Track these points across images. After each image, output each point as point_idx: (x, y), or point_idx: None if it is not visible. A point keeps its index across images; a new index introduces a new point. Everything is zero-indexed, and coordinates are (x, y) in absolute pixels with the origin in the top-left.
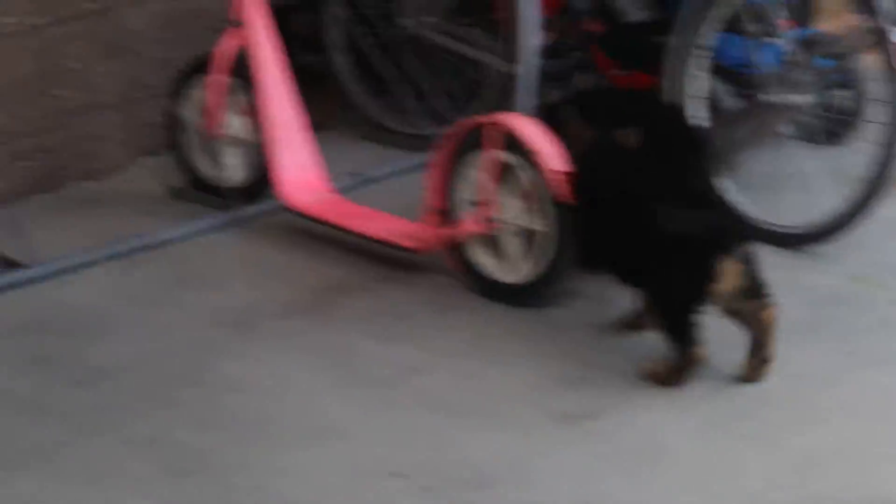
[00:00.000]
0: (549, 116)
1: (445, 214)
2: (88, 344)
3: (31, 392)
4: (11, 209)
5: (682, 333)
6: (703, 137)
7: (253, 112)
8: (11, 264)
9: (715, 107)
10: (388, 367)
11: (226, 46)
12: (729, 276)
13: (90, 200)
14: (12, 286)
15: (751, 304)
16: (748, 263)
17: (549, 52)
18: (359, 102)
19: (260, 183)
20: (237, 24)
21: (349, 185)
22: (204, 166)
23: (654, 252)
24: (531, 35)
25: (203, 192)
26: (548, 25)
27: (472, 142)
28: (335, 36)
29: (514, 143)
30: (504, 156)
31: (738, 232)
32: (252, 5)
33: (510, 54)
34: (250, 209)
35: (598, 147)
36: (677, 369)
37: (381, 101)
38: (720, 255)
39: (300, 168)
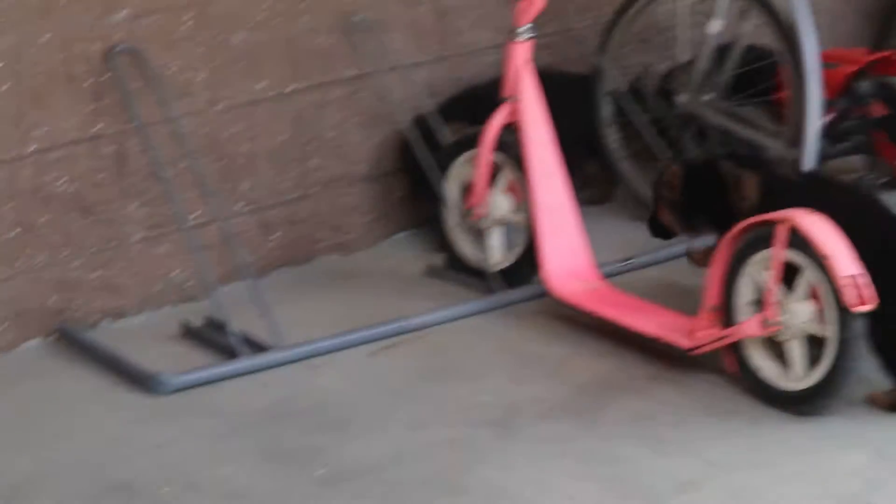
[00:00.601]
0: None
1: (724, 312)
2: (335, 438)
3: (271, 492)
4: (259, 283)
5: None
6: None
7: (520, 191)
8: (257, 346)
9: None
10: (659, 479)
11: (495, 122)
12: None
13: (340, 276)
14: (257, 369)
15: None
16: None
17: (828, 135)
18: (630, 180)
19: (523, 266)
20: (510, 98)
21: (617, 269)
22: (464, 245)
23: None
24: (815, 118)
25: (462, 272)
26: (828, 107)
27: (757, 238)
28: (607, 111)
29: (802, 242)
30: (791, 255)
31: None
32: (526, 80)
33: (792, 137)
34: (512, 294)
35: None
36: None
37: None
38: None
39: (567, 253)
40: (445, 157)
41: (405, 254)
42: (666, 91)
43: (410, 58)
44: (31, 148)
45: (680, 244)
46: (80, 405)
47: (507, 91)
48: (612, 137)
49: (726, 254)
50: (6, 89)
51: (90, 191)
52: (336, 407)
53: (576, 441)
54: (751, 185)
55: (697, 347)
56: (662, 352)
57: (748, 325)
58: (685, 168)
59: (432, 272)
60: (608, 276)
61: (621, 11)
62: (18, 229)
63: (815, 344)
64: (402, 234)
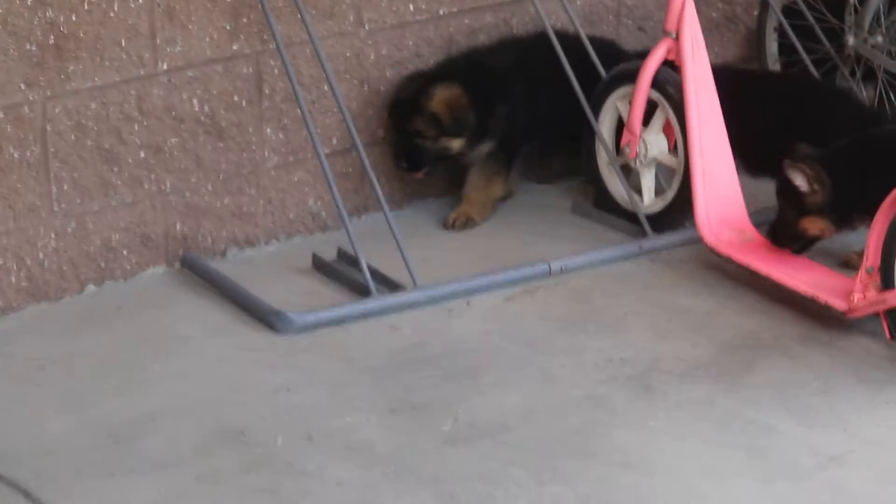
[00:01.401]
0: None
1: (883, 275)
2: (466, 390)
3: (392, 448)
4: (396, 216)
5: None
6: None
7: (675, 133)
8: (390, 285)
9: None
10: (803, 452)
11: (653, 57)
12: None
13: None
14: (389, 310)
15: None
16: None
17: None
18: None
19: (674, 211)
20: (670, 34)
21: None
22: (614, 185)
23: None
24: None
25: (610, 212)
26: None
27: None
28: (773, 48)
29: None
30: None
31: None
32: (689, 16)
33: None
34: (661, 239)
35: None
36: None
37: None
38: None
39: (722, 200)
40: (600, 91)
41: (553, 188)
42: (833, 29)
43: None
44: (164, 66)
45: None
46: (199, 341)
47: (667, 26)
48: None
49: (887, 214)
50: (139, 4)
51: (224, 113)
52: (468, 355)
53: (717, 405)
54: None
55: (853, 310)
56: (815, 311)
57: None
58: None
59: (579, 210)
60: (758, 225)
61: None
62: (146, 151)
63: None
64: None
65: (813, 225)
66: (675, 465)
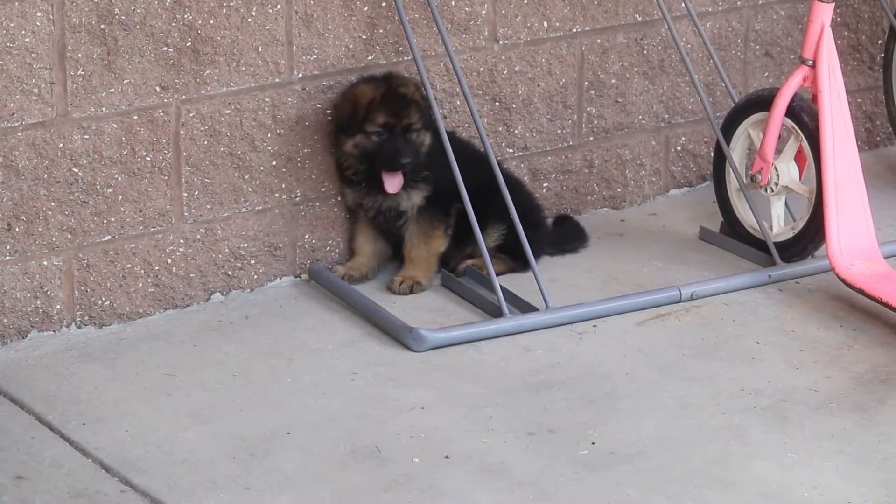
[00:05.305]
0: None
1: None
2: (600, 415)
3: (530, 471)
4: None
5: None
6: None
7: (808, 162)
8: (524, 306)
9: None
10: None
11: (790, 85)
12: None
13: (609, 232)
14: (520, 331)
15: None
16: None
17: None
18: None
19: (804, 240)
20: (807, 62)
21: None
22: (744, 212)
23: None
24: None
25: (738, 240)
26: None
27: None
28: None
29: None
30: None
31: None
32: (826, 44)
33: None
34: (791, 268)
35: None
36: None
37: None
38: None
39: (854, 231)
40: (732, 116)
41: (679, 213)
42: None
43: (701, 6)
44: (299, 74)
45: None
46: (329, 355)
47: (804, 53)
48: None
49: None
50: (277, 10)
51: None
52: (601, 379)
53: (853, 439)
54: None
55: None
56: None
57: None
58: None
59: (706, 236)
60: (888, 257)
61: None
62: (278, 160)
63: None
64: (677, 191)
65: None
66: (815, 499)
